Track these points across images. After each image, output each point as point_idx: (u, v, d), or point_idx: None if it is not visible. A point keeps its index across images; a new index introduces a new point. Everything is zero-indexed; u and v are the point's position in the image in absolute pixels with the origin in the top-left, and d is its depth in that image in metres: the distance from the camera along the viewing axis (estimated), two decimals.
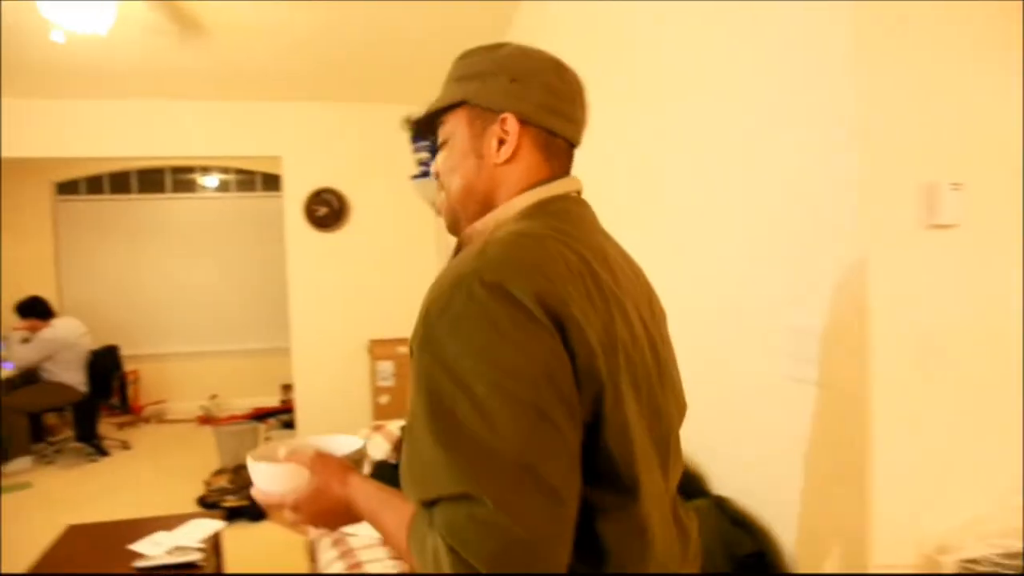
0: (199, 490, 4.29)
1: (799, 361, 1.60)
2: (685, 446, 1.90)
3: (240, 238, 6.68)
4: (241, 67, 3.93)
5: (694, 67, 2.03)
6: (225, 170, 6.68)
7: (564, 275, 0.77)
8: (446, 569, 0.70)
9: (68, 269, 6.40)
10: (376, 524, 0.88)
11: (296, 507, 0.92)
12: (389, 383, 4.50)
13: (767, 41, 1.68)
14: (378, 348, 4.49)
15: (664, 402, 0.89)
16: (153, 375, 6.47)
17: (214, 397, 6.48)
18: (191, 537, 2.45)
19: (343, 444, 1.07)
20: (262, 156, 4.68)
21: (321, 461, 0.94)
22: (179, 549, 2.33)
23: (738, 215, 1.85)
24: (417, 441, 0.75)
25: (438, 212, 1.02)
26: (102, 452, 5.24)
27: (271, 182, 6.74)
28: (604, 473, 0.77)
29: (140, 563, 2.22)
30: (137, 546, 2.37)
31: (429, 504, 0.74)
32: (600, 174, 2.60)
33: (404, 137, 3.96)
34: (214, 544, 2.42)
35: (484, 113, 0.92)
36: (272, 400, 6.66)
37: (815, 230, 1.54)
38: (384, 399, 4.49)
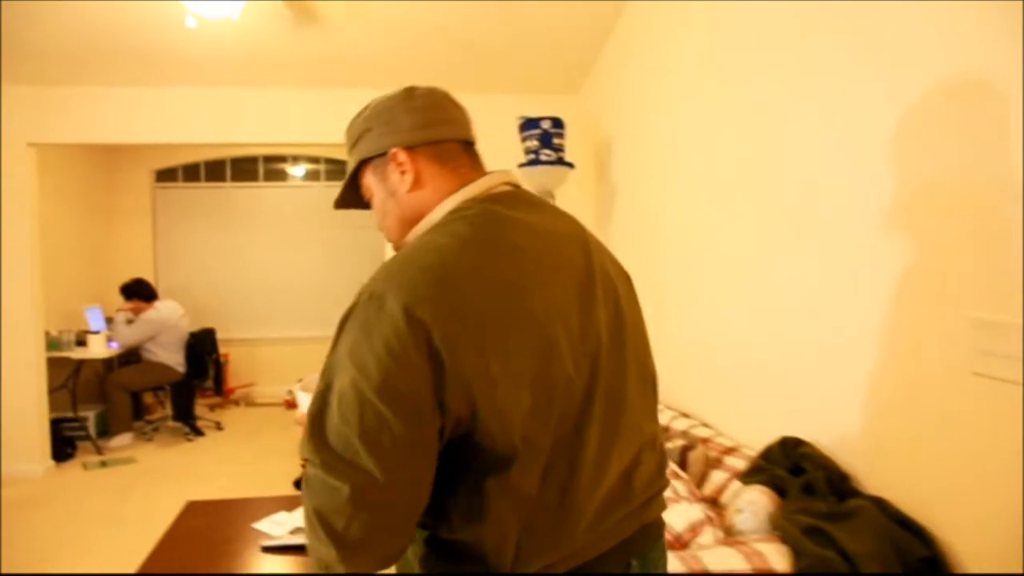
0: (295, 472, 4.35)
1: (988, 355, 1.47)
2: (830, 443, 1.75)
3: (327, 227, 6.78)
4: (349, 55, 3.96)
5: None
6: (315, 160, 6.78)
7: (436, 284, 0.88)
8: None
9: (164, 253, 6.61)
10: None
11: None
12: None
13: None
14: None
15: (583, 366, 0.97)
16: (242, 359, 6.62)
17: (300, 381, 6.57)
18: None
19: None
20: None
21: None
22: (301, 530, 2.33)
23: (915, 198, 1.71)
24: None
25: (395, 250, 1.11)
26: (197, 432, 5.39)
27: None
28: (485, 447, 0.89)
29: (267, 542, 2.23)
30: (260, 525, 2.39)
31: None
32: (756, 164, 2.50)
33: (509, 127, 3.94)
34: None
35: (378, 161, 1.08)
36: None
37: (1000, 215, 1.41)
38: None
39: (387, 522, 0.87)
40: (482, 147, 1.15)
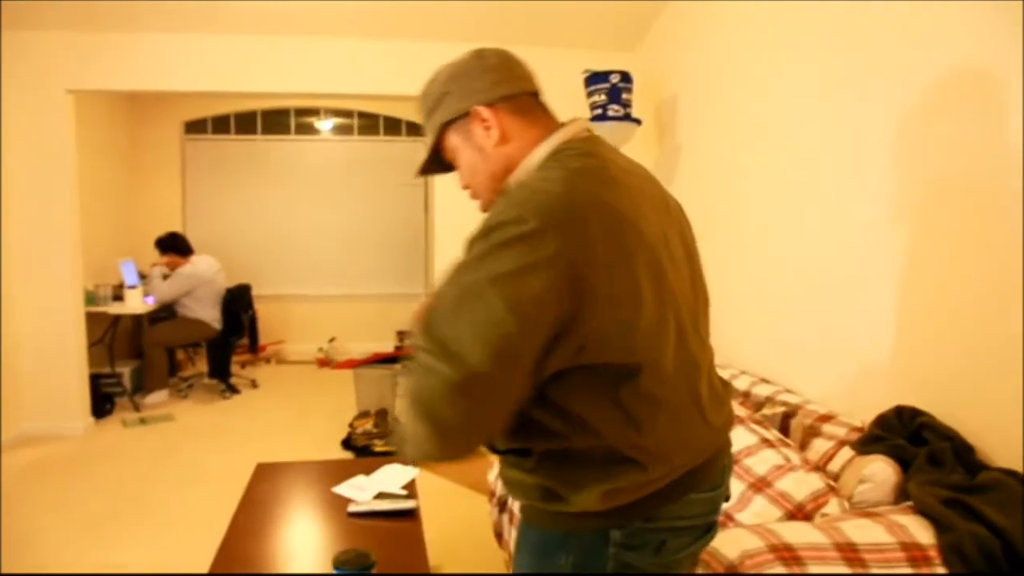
0: (340, 432, 4.30)
1: None
2: (945, 413, 1.86)
3: (361, 183, 6.64)
4: (391, 6, 3.78)
5: None
6: (347, 113, 6.61)
7: (566, 208, 0.93)
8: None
9: (193, 208, 6.48)
10: None
11: None
12: None
13: None
14: None
15: (680, 286, 1.07)
16: (272, 316, 6.53)
17: (332, 340, 6.52)
18: (392, 483, 2.38)
19: None
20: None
21: None
22: (386, 495, 2.25)
23: None
24: (444, 295, 0.95)
25: (483, 211, 1.15)
26: (234, 390, 5.32)
27: (393, 126, 6.64)
28: (612, 360, 0.96)
29: (354, 507, 2.15)
30: (340, 489, 2.32)
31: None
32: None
33: (566, 82, 3.77)
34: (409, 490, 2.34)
35: (460, 122, 1.13)
36: (387, 346, 6.68)
37: None
38: None
39: (484, 414, 0.93)
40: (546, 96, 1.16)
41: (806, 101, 2.69)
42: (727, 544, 1.54)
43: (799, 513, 1.84)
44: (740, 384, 2.90)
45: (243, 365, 6.14)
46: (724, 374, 2.98)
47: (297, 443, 4.18)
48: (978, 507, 1.64)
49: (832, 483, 1.89)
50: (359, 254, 6.71)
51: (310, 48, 4.22)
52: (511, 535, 2.36)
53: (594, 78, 3.57)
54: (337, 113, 6.62)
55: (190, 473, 3.70)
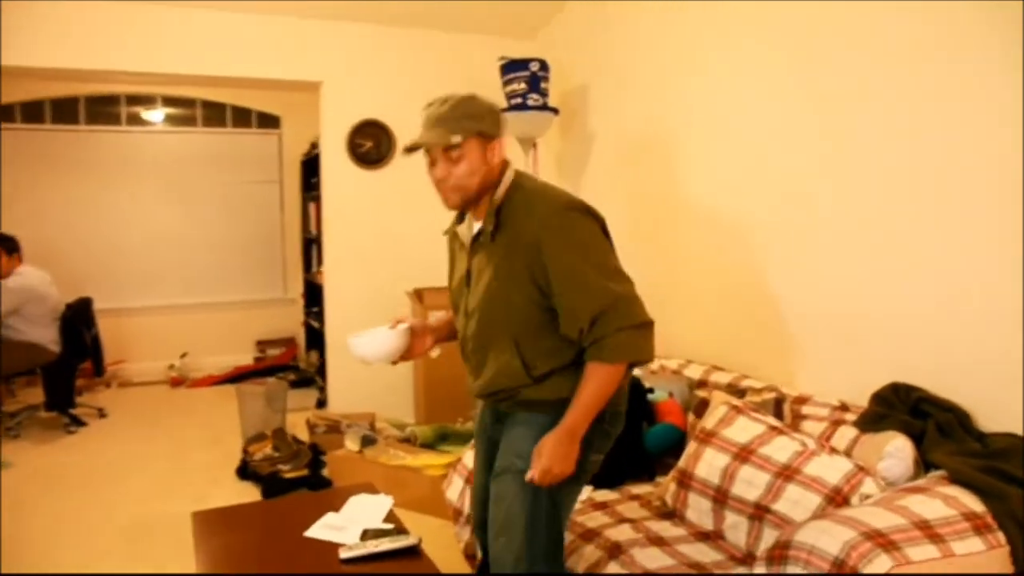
0: (225, 459, 3.81)
1: None
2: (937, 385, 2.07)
3: (206, 179, 5.97)
4: None
5: None
6: (189, 102, 5.88)
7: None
8: (629, 340, 1.56)
9: (7, 210, 5.42)
10: (590, 406, 1.56)
11: (539, 452, 1.57)
12: None
13: None
14: (430, 297, 4.10)
15: None
16: (111, 332, 5.64)
17: (184, 356, 5.81)
18: (370, 516, 2.09)
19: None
20: (298, 80, 4.05)
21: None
22: (374, 533, 1.96)
23: None
24: (582, 276, 1.55)
25: (447, 200, 1.66)
26: (78, 422, 4.54)
27: (243, 117, 6.02)
28: None
29: (348, 553, 1.84)
30: (316, 532, 1.99)
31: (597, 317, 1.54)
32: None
33: (457, 69, 3.59)
34: None
35: (485, 139, 1.62)
36: (247, 358, 6.09)
37: None
38: (436, 352, 4.10)
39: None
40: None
41: (740, 81, 2.72)
42: (819, 537, 1.47)
43: (838, 496, 1.83)
44: (692, 373, 2.89)
45: (79, 392, 5.28)
46: (672, 364, 2.99)
47: (182, 479, 3.62)
48: (1012, 471, 1.70)
49: (859, 463, 1.89)
50: (208, 259, 6.04)
51: (142, 16, 3.63)
52: None
53: (512, 66, 3.41)
54: (176, 101, 5.87)
55: (68, 535, 3.05)
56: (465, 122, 1.57)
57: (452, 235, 1.86)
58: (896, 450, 1.88)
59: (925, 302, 2.12)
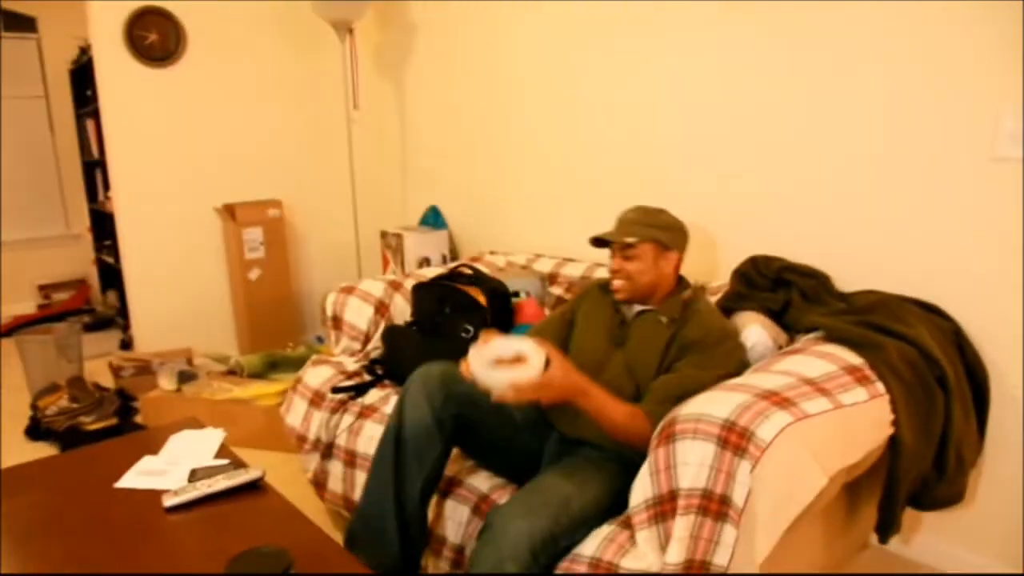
0: (9, 420, 3.21)
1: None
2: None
3: None
4: None
5: None
6: None
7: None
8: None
9: None
10: (605, 408, 1.53)
11: (546, 384, 1.43)
12: (259, 254, 3.68)
13: None
14: (242, 212, 3.60)
15: None
16: None
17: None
18: (199, 453, 1.76)
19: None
20: None
21: (559, 353, 1.50)
22: (205, 471, 1.64)
23: None
24: (698, 385, 1.54)
25: (617, 291, 1.76)
26: None
27: None
28: None
29: (173, 500, 1.51)
30: (129, 482, 1.62)
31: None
32: None
33: None
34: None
35: (661, 247, 1.73)
36: (28, 306, 5.24)
37: None
38: (255, 273, 3.67)
39: None
40: None
41: None
42: (704, 406, 1.36)
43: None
44: (543, 267, 2.76)
45: None
46: (520, 259, 2.84)
47: None
48: (883, 323, 1.70)
49: None
50: None
51: None
52: (348, 480, 2.08)
53: None
54: None
55: None
56: (645, 228, 1.72)
57: (598, 294, 1.88)
58: (757, 342, 1.80)
59: (784, 183, 2.10)
